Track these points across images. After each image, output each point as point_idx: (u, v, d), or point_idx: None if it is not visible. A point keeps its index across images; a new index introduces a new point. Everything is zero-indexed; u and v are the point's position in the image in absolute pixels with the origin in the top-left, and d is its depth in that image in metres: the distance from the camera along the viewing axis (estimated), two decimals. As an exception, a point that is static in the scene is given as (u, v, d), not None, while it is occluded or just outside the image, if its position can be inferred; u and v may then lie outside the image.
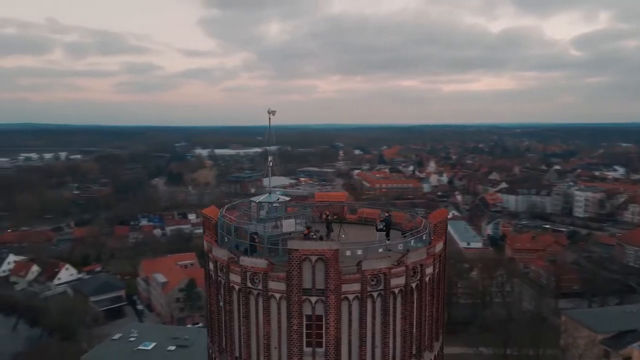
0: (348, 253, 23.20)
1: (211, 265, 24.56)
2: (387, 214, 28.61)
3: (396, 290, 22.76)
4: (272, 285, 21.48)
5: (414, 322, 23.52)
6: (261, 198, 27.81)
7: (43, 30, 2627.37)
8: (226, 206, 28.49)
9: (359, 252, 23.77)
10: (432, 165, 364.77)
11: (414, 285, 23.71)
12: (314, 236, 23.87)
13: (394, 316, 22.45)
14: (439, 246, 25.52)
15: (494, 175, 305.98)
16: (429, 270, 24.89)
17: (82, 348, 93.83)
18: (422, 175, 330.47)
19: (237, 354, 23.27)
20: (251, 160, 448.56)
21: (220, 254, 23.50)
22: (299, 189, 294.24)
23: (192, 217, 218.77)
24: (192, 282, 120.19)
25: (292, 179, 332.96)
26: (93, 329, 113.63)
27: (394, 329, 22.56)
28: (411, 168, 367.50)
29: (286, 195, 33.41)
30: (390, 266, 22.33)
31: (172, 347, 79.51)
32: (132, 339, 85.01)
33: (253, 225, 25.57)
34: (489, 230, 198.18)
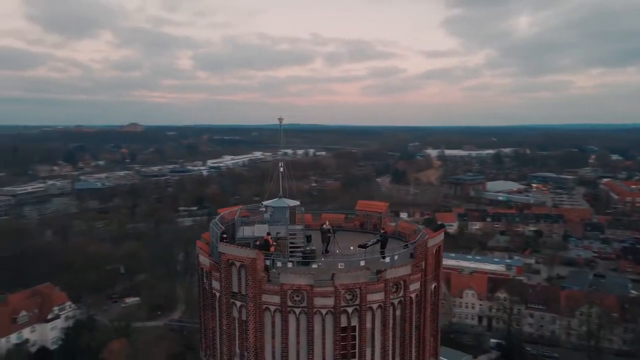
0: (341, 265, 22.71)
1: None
2: (383, 231, 26.21)
3: (374, 306, 21.43)
4: (214, 284, 22.94)
5: (392, 341, 21.78)
6: (269, 202, 29.05)
7: (308, 43, 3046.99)
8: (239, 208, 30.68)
9: (341, 265, 23.05)
10: None
11: (396, 301, 21.89)
12: (275, 243, 24.07)
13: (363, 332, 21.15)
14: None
15: None
16: (414, 287, 22.52)
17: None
18: None
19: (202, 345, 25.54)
20: (481, 162, 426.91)
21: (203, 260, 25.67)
22: (527, 195, 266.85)
23: (403, 215, 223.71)
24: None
25: (522, 184, 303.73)
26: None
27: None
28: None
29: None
30: (367, 281, 21.11)
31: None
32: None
33: (241, 229, 27.02)
34: None
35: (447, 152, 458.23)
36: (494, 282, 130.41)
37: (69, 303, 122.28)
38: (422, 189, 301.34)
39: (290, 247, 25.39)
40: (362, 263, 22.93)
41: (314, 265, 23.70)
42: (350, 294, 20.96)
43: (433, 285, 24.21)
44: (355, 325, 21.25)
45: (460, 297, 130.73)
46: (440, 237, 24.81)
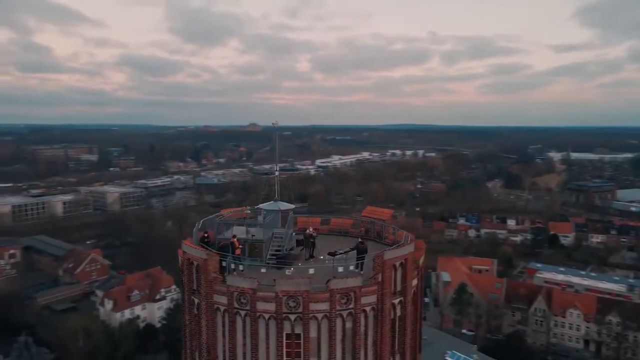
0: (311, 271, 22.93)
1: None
2: (360, 240, 25.37)
3: (319, 316, 21.45)
4: (184, 278, 24.46)
5: (341, 353, 21.63)
6: (264, 205, 29.83)
7: (424, 42, 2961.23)
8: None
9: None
10: None
11: (344, 313, 21.63)
12: (242, 246, 24.74)
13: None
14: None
15: None
16: (368, 300, 21.88)
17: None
18: None
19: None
20: (615, 167, 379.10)
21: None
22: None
23: (511, 223, 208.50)
24: (463, 286, 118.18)
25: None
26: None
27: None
28: None
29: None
30: (308, 290, 21.29)
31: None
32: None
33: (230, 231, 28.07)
34: None
35: (574, 155, 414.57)
36: (604, 303, 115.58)
37: (174, 286, 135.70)
38: (537, 195, 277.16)
39: (271, 250, 25.86)
40: (312, 271, 22.56)
41: (287, 271, 23.58)
42: (294, 301, 20.96)
43: (398, 300, 23.02)
44: (299, 333, 21.20)
45: (563, 317, 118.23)
46: (406, 250, 23.44)
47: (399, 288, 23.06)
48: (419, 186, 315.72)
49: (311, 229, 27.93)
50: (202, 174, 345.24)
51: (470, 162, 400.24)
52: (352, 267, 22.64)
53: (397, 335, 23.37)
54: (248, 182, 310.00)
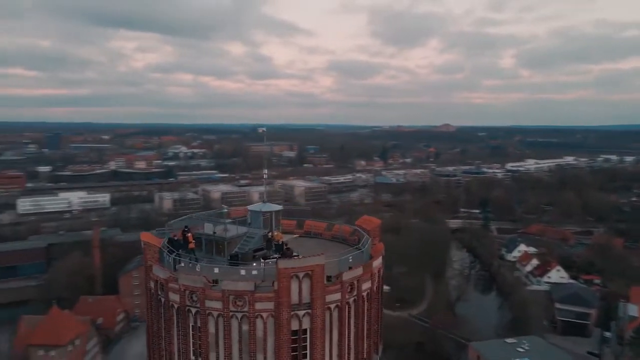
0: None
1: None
2: (286, 247, 25.19)
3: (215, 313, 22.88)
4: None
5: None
6: (251, 206, 31.71)
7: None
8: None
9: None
10: None
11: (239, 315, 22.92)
12: (193, 240, 27.02)
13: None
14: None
15: None
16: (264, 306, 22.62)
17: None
18: None
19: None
20: None
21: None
22: None
23: None
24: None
25: None
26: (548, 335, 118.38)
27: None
28: None
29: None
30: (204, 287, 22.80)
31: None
32: (520, 349, 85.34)
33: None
34: None
35: None
36: None
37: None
38: None
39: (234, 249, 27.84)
40: (243, 272, 23.71)
41: (242, 272, 24.34)
42: (195, 296, 22.77)
43: (304, 312, 22.57)
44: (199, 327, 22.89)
45: None
46: (311, 262, 22.57)
47: (305, 300, 22.60)
48: (633, 199, 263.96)
49: (275, 233, 28.80)
50: (383, 173, 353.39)
51: None
52: (254, 272, 23.18)
53: (308, 348, 22.94)
54: (426, 184, 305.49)
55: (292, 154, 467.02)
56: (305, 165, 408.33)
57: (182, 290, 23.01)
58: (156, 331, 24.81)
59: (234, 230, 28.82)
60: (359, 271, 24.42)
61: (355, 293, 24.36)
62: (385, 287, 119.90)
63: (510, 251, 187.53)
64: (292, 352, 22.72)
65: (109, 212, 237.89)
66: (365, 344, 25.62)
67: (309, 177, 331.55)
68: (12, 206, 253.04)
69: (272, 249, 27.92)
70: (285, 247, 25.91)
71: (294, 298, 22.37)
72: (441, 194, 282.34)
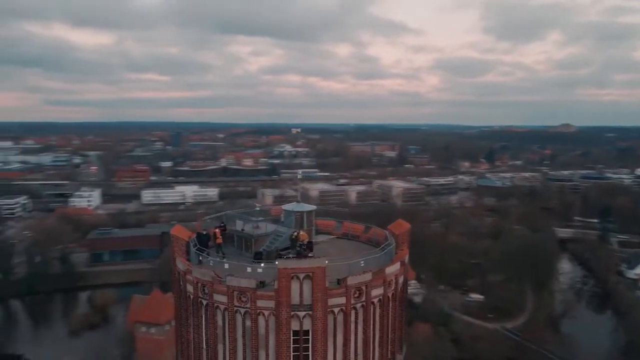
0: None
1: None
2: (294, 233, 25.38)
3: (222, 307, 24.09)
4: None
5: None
6: (286, 206, 32.26)
7: None
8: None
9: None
10: None
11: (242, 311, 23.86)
12: (220, 237, 28.19)
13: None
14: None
15: None
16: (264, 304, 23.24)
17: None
18: None
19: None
20: None
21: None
22: None
23: None
24: None
25: None
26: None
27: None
28: None
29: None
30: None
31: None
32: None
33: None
34: None
35: None
36: None
37: (414, 281, 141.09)
38: None
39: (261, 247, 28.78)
40: (249, 269, 24.53)
41: (248, 269, 24.69)
42: (206, 289, 24.07)
43: (304, 314, 22.62)
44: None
45: None
46: (311, 263, 22.38)
47: (306, 301, 22.64)
48: None
49: (300, 233, 29.01)
50: (487, 175, 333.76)
51: None
52: (259, 270, 23.65)
53: (310, 350, 22.98)
54: (535, 188, 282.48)
55: (393, 153, 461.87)
56: (406, 165, 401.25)
57: (195, 282, 24.39)
58: (180, 319, 26.57)
59: (263, 228, 29.71)
60: (367, 276, 23.78)
61: (363, 299, 23.78)
62: (478, 296, 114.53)
63: (632, 268, 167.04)
64: (293, 352, 22.94)
65: (215, 206, 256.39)
66: (377, 352, 24.88)
67: (409, 178, 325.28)
68: (137, 197, 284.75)
69: (296, 249, 28.28)
70: (302, 247, 26.10)
71: (295, 299, 22.53)
72: (552, 200, 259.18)
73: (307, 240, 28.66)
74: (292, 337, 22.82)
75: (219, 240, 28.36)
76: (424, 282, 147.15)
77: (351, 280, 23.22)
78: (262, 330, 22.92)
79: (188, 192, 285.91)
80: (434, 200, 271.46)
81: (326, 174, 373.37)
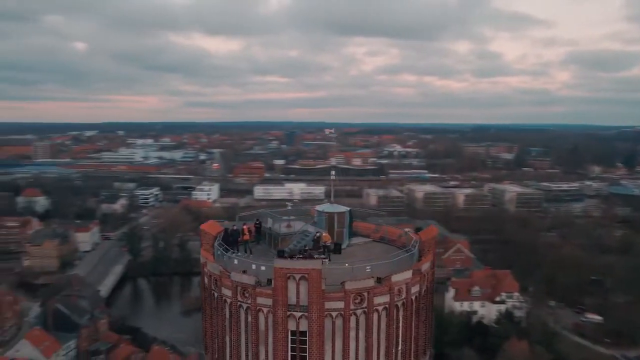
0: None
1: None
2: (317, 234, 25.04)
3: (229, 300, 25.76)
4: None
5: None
6: (319, 206, 32.17)
7: None
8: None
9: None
10: None
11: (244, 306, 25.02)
12: (247, 233, 28.98)
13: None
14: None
15: None
16: (264, 302, 24.22)
17: None
18: None
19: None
20: None
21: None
22: None
23: None
24: None
25: None
26: None
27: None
28: None
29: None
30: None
31: None
32: None
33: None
34: None
35: None
36: None
37: (516, 293, 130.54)
38: None
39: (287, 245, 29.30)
40: (254, 266, 25.10)
41: (263, 267, 25.08)
42: (247, 293, 24.80)
43: (300, 314, 22.57)
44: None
45: None
46: (305, 264, 22.01)
47: (302, 302, 22.54)
48: None
49: (323, 234, 28.76)
50: (622, 182, 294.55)
51: None
52: (263, 267, 24.01)
53: (307, 351, 22.88)
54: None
55: (510, 155, 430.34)
56: (524, 168, 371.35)
57: (209, 275, 25.67)
58: (203, 309, 28.18)
59: (292, 227, 30.17)
60: (369, 282, 22.89)
61: (364, 305, 22.97)
62: (596, 317, 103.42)
63: None
64: (291, 351, 23.01)
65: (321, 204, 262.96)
66: (381, 363, 23.87)
67: (526, 182, 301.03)
68: (251, 192, 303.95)
69: (319, 250, 28.19)
70: (325, 248, 26.03)
71: (292, 299, 22.56)
72: None
73: (329, 241, 28.47)
74: (289, 337, 22.90)
75: (247, 237, 29.38)
76: (530, 295, 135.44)
77: (350, 285, 22.58)
78: (262, 326, 23.34)
79: (295, 189, 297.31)
80: (553, 207, 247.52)
81: (435, 175, 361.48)
